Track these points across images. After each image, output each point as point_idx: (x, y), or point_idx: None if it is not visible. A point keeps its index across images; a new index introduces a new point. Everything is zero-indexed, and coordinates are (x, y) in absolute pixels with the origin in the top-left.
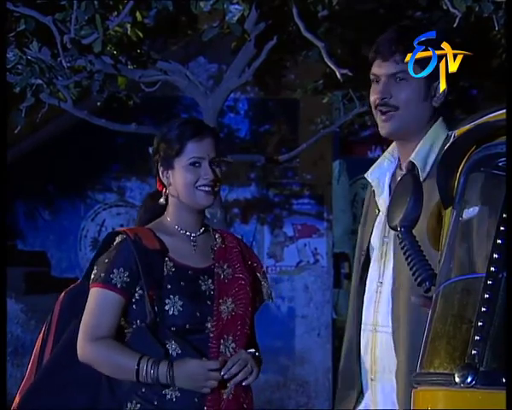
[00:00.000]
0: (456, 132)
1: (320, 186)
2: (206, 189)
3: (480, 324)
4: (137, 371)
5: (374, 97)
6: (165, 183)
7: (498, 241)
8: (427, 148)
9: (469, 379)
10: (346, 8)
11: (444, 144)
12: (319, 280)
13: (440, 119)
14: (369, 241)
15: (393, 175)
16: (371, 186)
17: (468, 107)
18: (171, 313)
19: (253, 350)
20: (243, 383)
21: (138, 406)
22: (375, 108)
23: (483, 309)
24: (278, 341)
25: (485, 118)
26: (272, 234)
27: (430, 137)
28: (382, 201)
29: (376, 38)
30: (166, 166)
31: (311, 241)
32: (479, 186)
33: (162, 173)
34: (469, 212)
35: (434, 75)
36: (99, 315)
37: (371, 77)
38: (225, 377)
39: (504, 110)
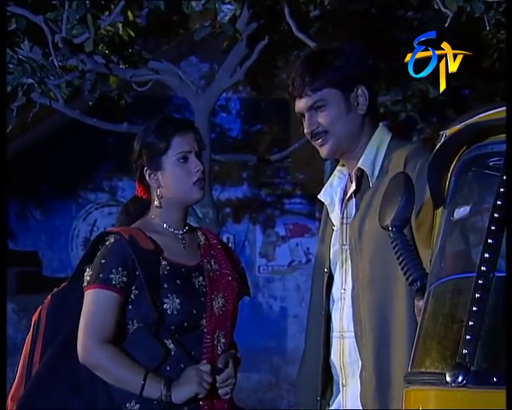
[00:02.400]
0: (448, 132)
1: (312, 186)
2: (201, 183)
3: (470, 323)
4: (143, 385)
5: (306, 130)
6: (155, 185)
7: (489, 240)
8: (374, 153)
9: (460, 379)
10: (337, 7)
11: (389, 147)
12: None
13: (381, 124)
14: (330, 258)
15: (345, 190)
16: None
17: (459, 107)
18: (169, 312)
19: (234, 351)
20: (225, 396)
21: (137, 405)
22: (310, 138)
23: (474, 309)
24: (270, 341)
25: (475, 118)
26: (264, 234)
27: (375, 142)
28: (335, 216)
29: (368, 37)
30: (154, 167)
31: (303, 240)
32: (470, 186)
33: (150, 176)
34: (460, 211)
35: (348, 88)
36: (103, 316)
37: (297, 115)
38: (218, 386)
39: (496, 110)
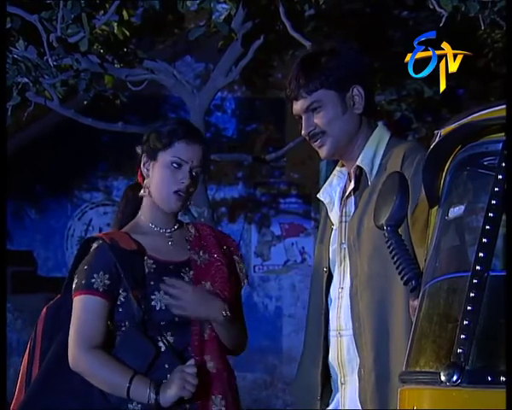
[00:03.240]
0: (442, 131)
1: (307, 185)
2: (180, 194)
3: (465, 322)
4: (128, 388)
5: (303, 132)
6: (145, 174)
7: (484, 240)
8: (373, 151)
9: (455, 378)
10: (332, 7)
11: (388, 146)
12: (306, 279)
13: (380, 123)
14: (329, 257)
15: (344, 189)
16: (324, 205)
17: (454, 106)
18: (158, 308)
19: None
20: None
21: (139, 406)
22: (309, 140)
23: (469, 308)
24: (265, 340)
25: (470, 117)
26: (259, 233)
27: (374, 141)
28: (334, 214)
29: (363, 37)
30: (150, 156)
31: (298, 240)
32: (464, 185)
33: (144, 164)
34: (455, 211)
35: (343, 88)
36: (88, 322)
37: (295, 117)
38: None
39: (490, 109)
